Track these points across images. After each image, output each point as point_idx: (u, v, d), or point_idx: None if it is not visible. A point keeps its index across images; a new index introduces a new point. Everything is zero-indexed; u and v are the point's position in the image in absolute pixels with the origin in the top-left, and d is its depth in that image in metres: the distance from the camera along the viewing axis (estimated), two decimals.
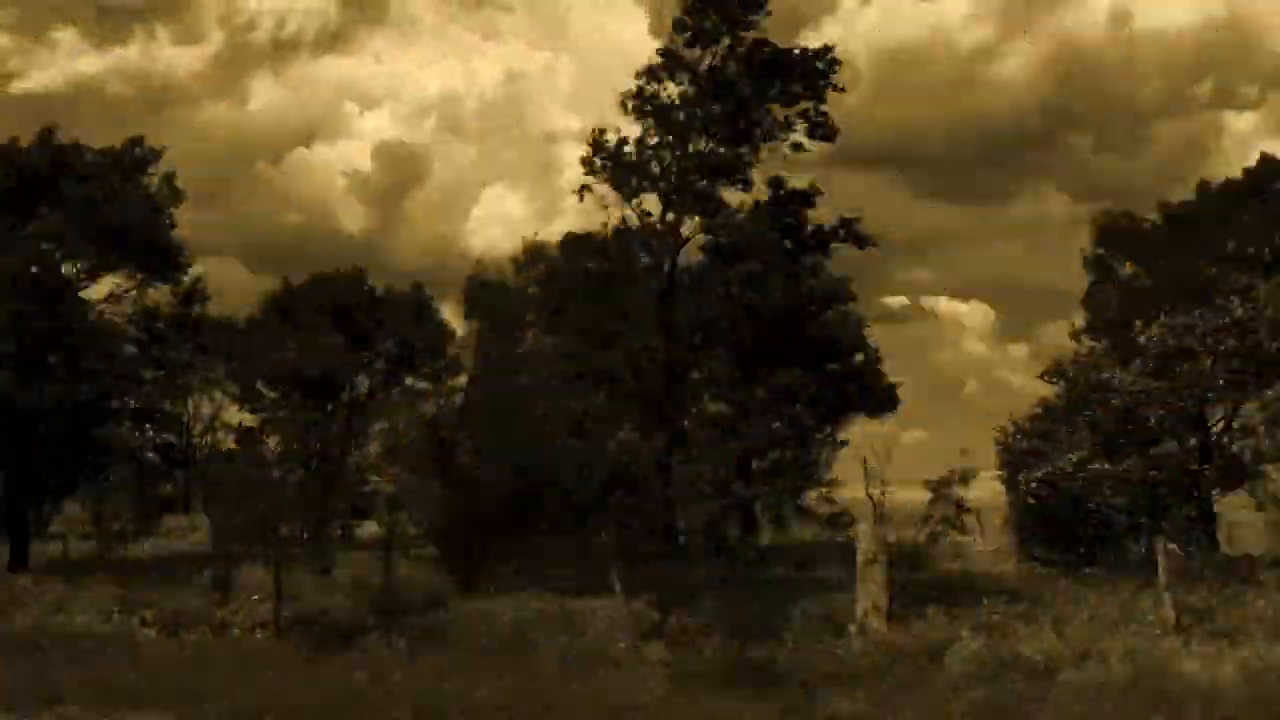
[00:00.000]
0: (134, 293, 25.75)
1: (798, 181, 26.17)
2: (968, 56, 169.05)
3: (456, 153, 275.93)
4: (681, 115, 24.06)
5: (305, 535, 20.89)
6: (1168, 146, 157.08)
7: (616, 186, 24.21)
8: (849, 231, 25.96)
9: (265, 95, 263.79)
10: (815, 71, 25.04)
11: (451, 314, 33.14)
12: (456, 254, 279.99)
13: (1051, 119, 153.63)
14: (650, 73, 24.30)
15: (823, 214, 26.33)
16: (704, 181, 24.12)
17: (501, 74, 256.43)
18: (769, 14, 24.51)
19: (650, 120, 24.17)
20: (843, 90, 25.98)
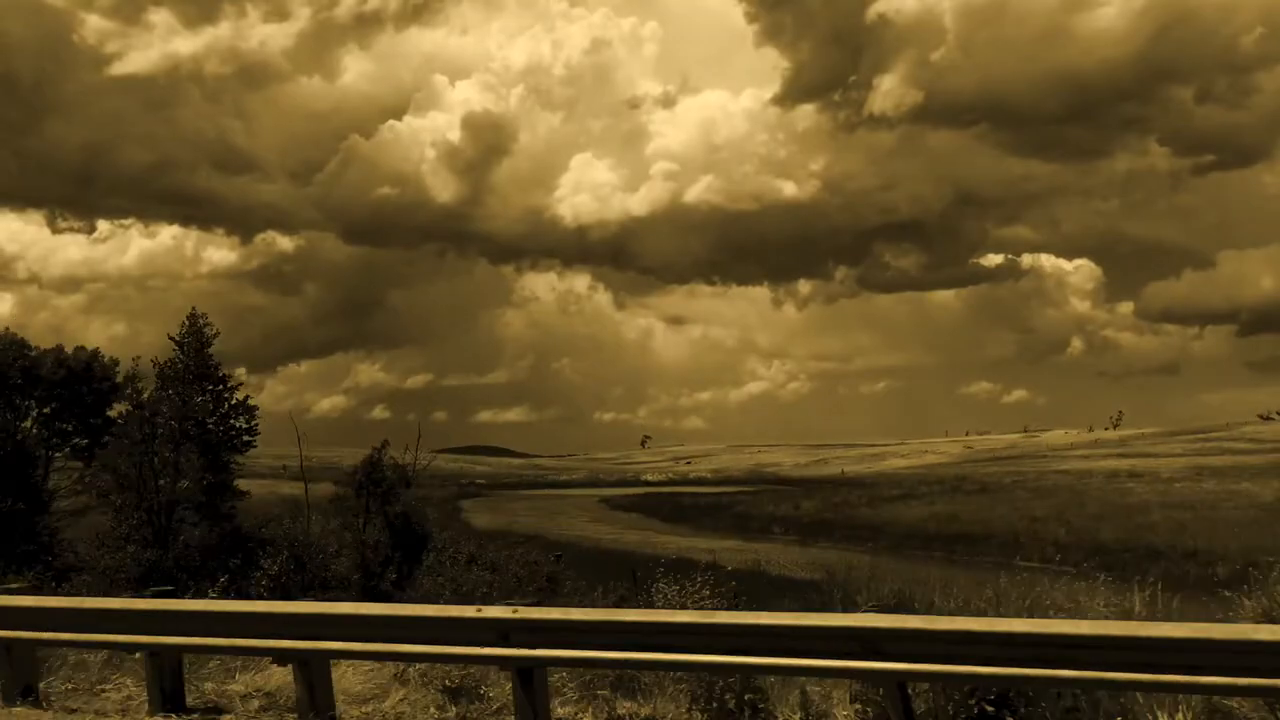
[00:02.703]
0: None
1: None
2: (1058, 8, 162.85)
3: (544, 121, 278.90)
4: None
5: None
6: (1274, 95, 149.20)
7: None
8: None
9: (356, 69, 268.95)
10: None
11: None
12: (547, 221, 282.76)
13: (1148, 71, 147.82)
14: None
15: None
16: None
17: (588, 41, 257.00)
18: None
19: None
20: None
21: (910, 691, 6.19)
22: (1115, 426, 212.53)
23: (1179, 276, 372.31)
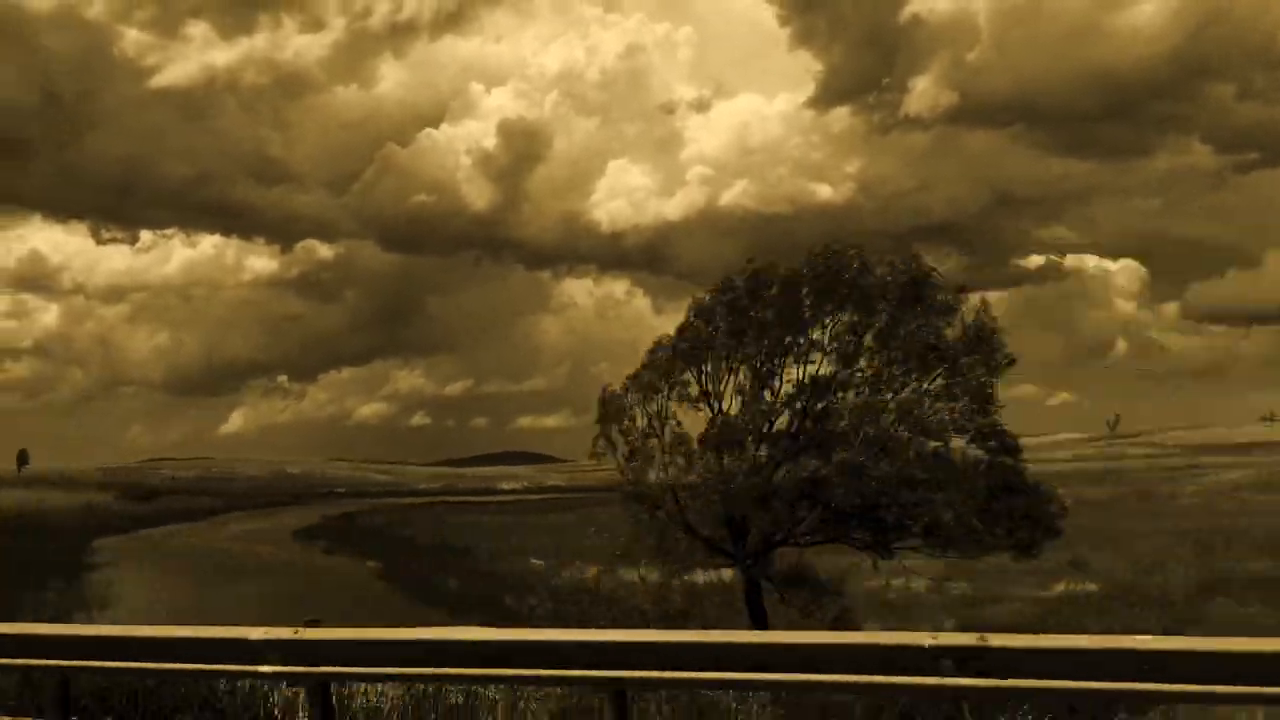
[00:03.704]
0: None
1: None
2: (1092, 6, 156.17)
3: (579, 127, 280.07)
4: None
5: None
6: None
7: None
8: None
9: (392, 78, 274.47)
10: None
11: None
12: (583, 227, 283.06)
13: (1186, 68, 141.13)
14: None
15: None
16: None
17: (622, 47, 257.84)
18: None
19: None
20: None
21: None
22: (1112, 429, 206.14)
23: (1224, 275, 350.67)
